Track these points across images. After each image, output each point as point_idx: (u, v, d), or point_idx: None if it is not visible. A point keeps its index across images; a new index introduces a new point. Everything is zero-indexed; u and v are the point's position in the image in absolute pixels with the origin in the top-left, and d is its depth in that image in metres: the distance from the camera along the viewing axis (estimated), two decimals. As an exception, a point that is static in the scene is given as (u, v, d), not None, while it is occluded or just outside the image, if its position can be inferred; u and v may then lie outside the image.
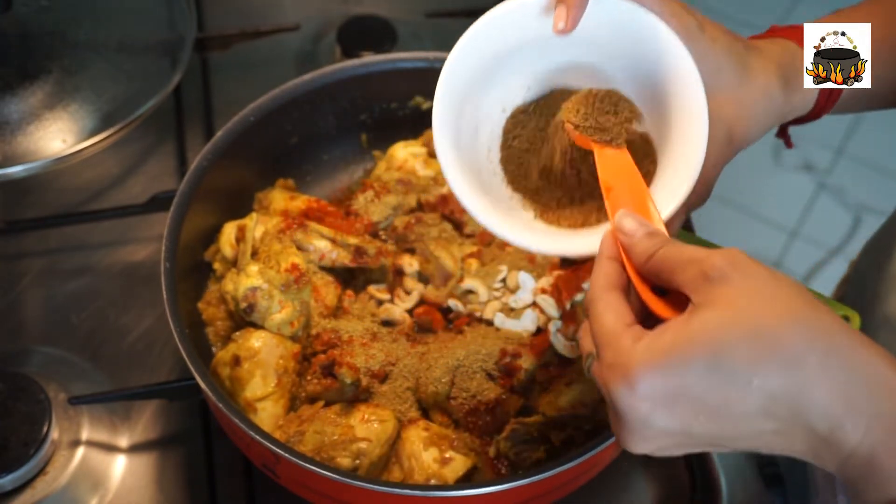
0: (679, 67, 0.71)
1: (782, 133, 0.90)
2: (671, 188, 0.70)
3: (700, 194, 0.74)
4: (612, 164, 0.68)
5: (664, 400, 0.57)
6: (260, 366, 0.88)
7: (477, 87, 0.77)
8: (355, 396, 0.89)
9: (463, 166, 0.75)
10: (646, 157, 0.74)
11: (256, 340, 0.89)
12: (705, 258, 0.59)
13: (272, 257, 0.92)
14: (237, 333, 0.91)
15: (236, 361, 0.88)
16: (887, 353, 0.58)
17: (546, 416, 0.88)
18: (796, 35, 0.80)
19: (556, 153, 0.76)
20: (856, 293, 0.97)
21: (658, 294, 0.62)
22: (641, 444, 0.60)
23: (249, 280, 0.90)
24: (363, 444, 0.84)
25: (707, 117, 0.70)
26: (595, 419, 0.88)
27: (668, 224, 0.70)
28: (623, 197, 0.67)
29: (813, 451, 0.58)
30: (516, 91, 0.79)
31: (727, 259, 0.58)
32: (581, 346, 0.67)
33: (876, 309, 0.91)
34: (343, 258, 0.97)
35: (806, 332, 0.56)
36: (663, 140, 0.74)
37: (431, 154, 1.07)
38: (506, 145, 0.79)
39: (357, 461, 0.84)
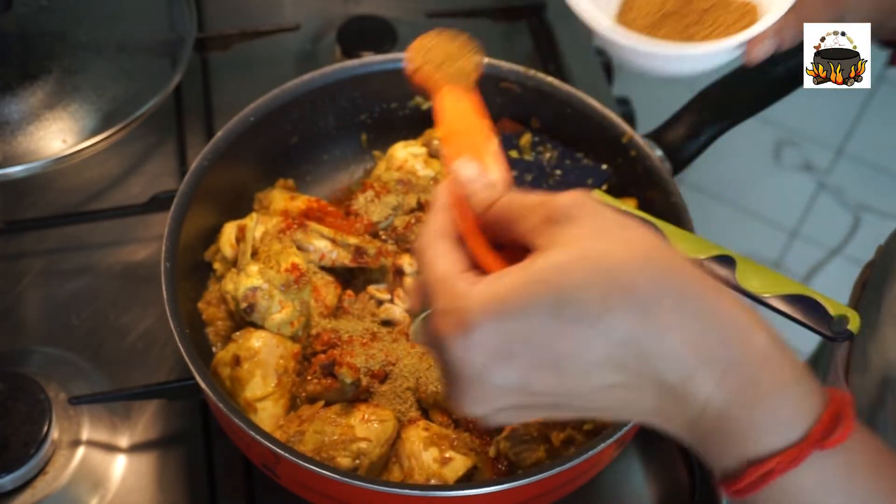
0: None
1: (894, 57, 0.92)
2: (764, 19, 0.79)
3: (794, 29, 0.81)
4: (453, 108, 0.63)
5: (502, 350, 0.52)
6: (260, 366, 0.88)
7: None
8: (355, 396, 0.89)
9: None
10: (744, 15, 0.83)
11: (256, 340, 0.89)
12: (549, 201, 0.55)
13: (272, 257, 0.92)
14: (237, 333, 0.91)
15: (236, 361, 0.88)
16: (742, 302, 0.54)
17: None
18: None
19: None
20: (879, 274, 0.97)
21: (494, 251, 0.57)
22: (477, 405, 0.54)
23: (249, 280, 0.90)
24: (363, 444, 0.84)
25: None
26: (595, 419, 0.88)
27: (756, 43, 0.80)
28: (463, 145, 0.62)
29: (662, 409, 0.53)
30: None
31: (572, 200, 0.54)
32: (410, 306, 0.61)
33: (895, 287, 0.91)
34: (343, 258, 0.97)
35: (658, 274, 0.52)
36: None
37: (432, 154, 1.07)
38: None
39: (357, 461, 0.84)
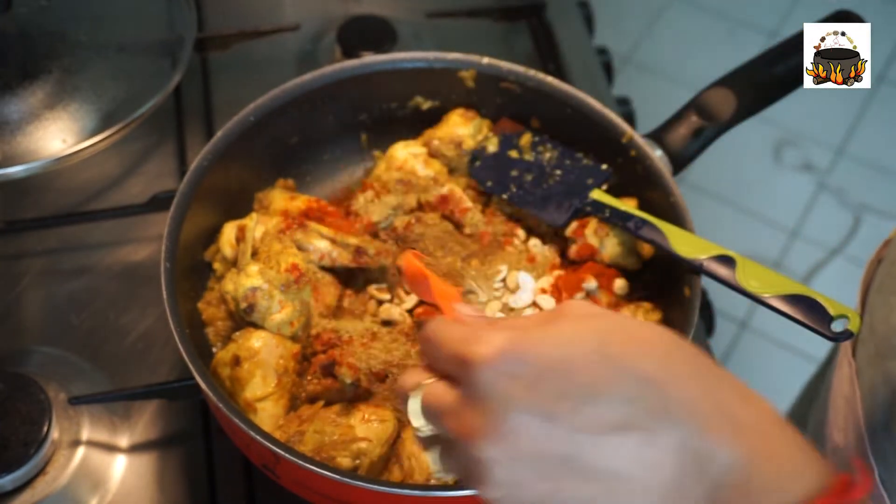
0: None
1: None
2: None
3: None
4: (441, 286, 0.72)
5: (529, 377, 0.52)
6: (260, 366, 0.88)
7: None
8: (355, 396, 0.89)
9: None
10: None
11: (256, 340, 0.89)
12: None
13: (272, 257, 0.92)
14: (237, 333, 0.91)
15: (236, 361, 0.88)
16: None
17: None
18: None
19: None
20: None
21: None
22: (494, 441, 0.52)
23: (249, 280, 0.90)
24: (363, 444, 0.84)
25: None
26: None
27: None
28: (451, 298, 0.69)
29: (681, 478, 0.51)
30: None
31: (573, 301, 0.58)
32: (402, 384, 0.60)
33: None
34: (343, 258, 0.97)
35: (672, 336, 0.55)
36: None
37: (431, 154, 1.07)
38: None
39: (357, 461, 0.84)
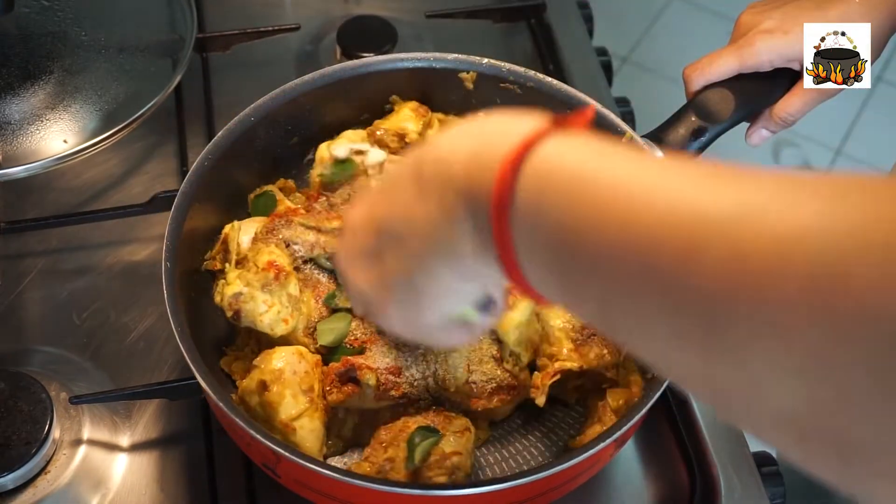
0: None
1: None
2: None
3: None
4: None
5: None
6: (288, 385, 0.86)
7: None
8: (378, 397, 0.89)
9: None
10: None
11: (278, 361, 0.87)
12: None
13: (249, 259, 0.91)
14: (258, 359, 0.89)
15: (263, 387, 0.86)
16: None
17: (582, 368, 0.89)
18: None
19: None
20: None
21: None
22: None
23: (230, 287, 0.89)
24: (455, 459, 0.84)
25: None
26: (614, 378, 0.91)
27: None
28: None
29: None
30: None
31: None
32: None
33: None
34: (331, 244, 0.95)
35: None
36: None
37: (375, 142, 1.06)
38: None
39: (453, 476, 0.84)
